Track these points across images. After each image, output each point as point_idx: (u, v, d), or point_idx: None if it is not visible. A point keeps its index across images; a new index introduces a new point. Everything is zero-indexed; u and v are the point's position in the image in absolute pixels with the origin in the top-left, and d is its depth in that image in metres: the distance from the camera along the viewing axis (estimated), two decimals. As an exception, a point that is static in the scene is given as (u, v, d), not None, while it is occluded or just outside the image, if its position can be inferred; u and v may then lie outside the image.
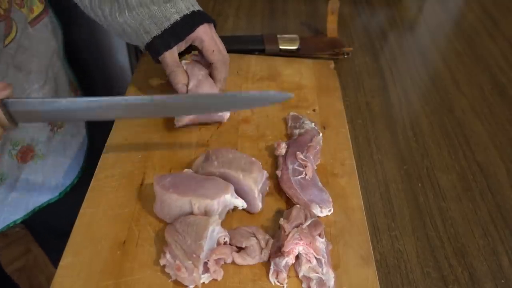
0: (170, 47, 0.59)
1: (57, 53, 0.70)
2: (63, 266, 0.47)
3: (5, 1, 0.54)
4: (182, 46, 0.60)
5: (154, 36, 0.58)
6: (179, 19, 0.58)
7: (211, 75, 0.63)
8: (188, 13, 0.58)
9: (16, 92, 0.60)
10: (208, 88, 0.60)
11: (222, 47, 0.62)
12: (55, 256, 0.48)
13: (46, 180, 0.72)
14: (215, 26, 0.63)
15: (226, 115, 0.65)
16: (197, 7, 0.60)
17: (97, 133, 0.62)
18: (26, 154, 0.66)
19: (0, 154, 0.62)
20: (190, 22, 0.58)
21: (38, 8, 0.63)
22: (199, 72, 0.61)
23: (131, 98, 0.52)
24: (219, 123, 0.66)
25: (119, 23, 0.59)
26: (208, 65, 0.63)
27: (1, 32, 0.55)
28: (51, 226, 0.79)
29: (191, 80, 0.60)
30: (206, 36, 0.60)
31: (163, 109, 0.52)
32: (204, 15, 0.60)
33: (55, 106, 0.48)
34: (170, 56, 0.59)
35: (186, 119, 0.62)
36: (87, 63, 0.96)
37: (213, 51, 0.61)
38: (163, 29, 0.58)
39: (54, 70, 0.69)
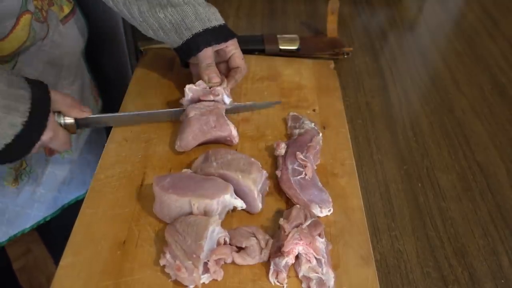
0: (210, 45, 0.62)
1: (82, 52, 0.73)
2: (63, 266, 0.47)
3: (45, 3, 0.58)
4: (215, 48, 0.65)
5: (195, 33, 0.61)
6: (217, 25, 0.63)
7: (229, 76, 0.67)
8: (223, 24, 0.64)
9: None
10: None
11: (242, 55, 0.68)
12: (60, 257, 0.48)
13: (74, 177, 0.74)
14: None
15: (235, 136, 0.61)
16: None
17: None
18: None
19: None
20: (226, 31, 0.64)
21: (67, 7, 0.66)
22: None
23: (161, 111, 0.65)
24: (229, 144, 0.62)
25: (158, 18, 0.61)
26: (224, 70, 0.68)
27: (44, 32, 0.59)
28: (67, 228, 0.80)
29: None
30: (235, 48, 0.66)
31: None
32: (232, 31, 0.66)
33: (108, 119, 0.62)
34: (209, 51, 0.63)
35: (190, 145, 0.59)
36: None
37: (242, 58, 0.67)
38: (205, 28, 0.62)
39: (81, 68, 0.72)
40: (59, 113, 0.55)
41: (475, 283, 0.54)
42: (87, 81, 0.75)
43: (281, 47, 0.84)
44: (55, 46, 0.63)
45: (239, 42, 0.68)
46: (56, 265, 0.47)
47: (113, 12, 0.67)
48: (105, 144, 0.61)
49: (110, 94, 0.82)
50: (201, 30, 0.61)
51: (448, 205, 0.63)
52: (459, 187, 0.66)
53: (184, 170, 0.56)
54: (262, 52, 0.83)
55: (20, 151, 0.49)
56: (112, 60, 0.94)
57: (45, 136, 0.50)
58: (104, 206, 0.53)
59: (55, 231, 0.96)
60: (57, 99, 0.53)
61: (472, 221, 0.61)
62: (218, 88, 0.62)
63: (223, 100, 0.63)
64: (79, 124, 0.57)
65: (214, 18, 0.63)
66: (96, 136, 0.78)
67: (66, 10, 0.65)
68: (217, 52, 0.65)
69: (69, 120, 0.55)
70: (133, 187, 0.56)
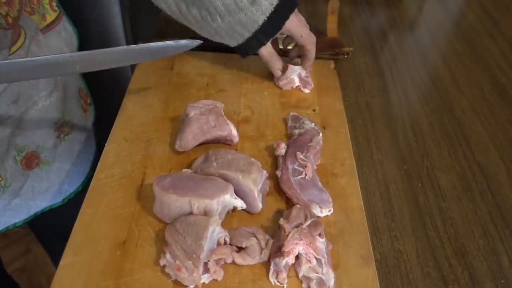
0: (264, 44, 0.66)
1: None
2: (63, 266, 0.47)
3: (14, 10, 0.55)
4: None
5: (248, 38, 0.64)
6: (266, 19, 0.63)
7: (302, 56, 0.72)
8: (273, 10, 0.62)
9: (24, 99, 0.60)
10: None
11: (307, 29, 0.69)
12: (57, 257, 0.48)
13: (51, 186, 0.72)
14: (297, 6, 0.67)
15: (235, 136, 0.61)
16: None
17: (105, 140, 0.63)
18: (31, 161, 0.66)
19: (4, 160, 0.62)
20: (277, 19, 0.64)
21: (51, 16, 0.64)
22: None
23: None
24: (229, 144, 0.62)
25: (212, 26, 0.63)
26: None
27: (8, 40, 0.56)
28: (54, 229, 0.79)
29: None
30: (292, 24, 0.66)
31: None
32: (287, 4, 0.64)
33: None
34: (266, 48, 0.67)
35: (190, 144, 0.59)
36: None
37: (301, 36, 0.68)
38: (253, 31, 0.63)
39: (64, 78, 0.70)
40: None
41: (475, 283, 0.54)
42: (73, 91, 0.73)
43: (281, 47, 0.84)
44: (32, 57, 0.59)
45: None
46: (54, 263, 0.47)
47: (109, 17, 0.66)
48: (105, 144, 0.61)
49: (107, 101, 0.81)
50: (251, 34, 0.64)
51: (448, 205, 0.63)
52: (459, 187, 0.66)
53: (184, 170, 0.56)
54: (262, 52, 0.83)
55: None
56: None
57: None
58: (104, 206, 0.53)
59: (37, 233, 0.96)
60: None
61: (472, 221, 0.61)
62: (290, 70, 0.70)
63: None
64: None
65: (260, 13, 0.62)
66: (78, 146, 0.76)
67: (49, 18, 0.64)
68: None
69: None
70: (133, 187, 0.56)
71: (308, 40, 0.69)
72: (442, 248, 0.57)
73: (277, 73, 0.71)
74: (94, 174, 0.57)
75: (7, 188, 0.65)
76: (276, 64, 0.70)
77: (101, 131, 0.83)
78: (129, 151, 0.60)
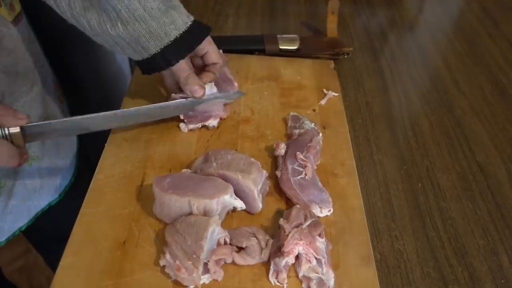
0: (171, 65, 0.57)
1: (42, 54, 0.69)
2: (63, 266, 0.47)
3: None
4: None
5: (153, 54, 0.56)
6: (178, 36, 0.55)
7: (205, 72, 0.63)
8: (186, 29, 0.56)
9: (5, 95, 0.59)
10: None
11: (220, 54, 0.64)
12: (54, 261, 0.47)
13: (44, 183, 0.72)
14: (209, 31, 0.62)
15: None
16: (191, 18, 0.58)
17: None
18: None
19: None
20: (190, 39, 0.57)
21: (18, 5, 0.61)
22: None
23: (125, 110, 0.59)
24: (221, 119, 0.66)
25: (110, 35, 0.54)
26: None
27: None
28: (51, 233, 0.79)
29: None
30: (208, 45, 0.61)
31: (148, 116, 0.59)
32: (201, 27, 0.59)
33: (61, 125, 0.54)
34: (180, 65, 0.58)
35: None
36: (82, 65, 0.96)
37: (217, 53, 0.62)
38: (162, 47, 0.55)
39: (39, 70, 0.67)
40: None
41: (475, 283, 0.54)
42: (48, 82, 0.72)
43: (281, 47, 0.84)
44: (7, 53, 0.57)
45: (239, 42, 0.67)
46: (51, 267, 0.46)
47: None
48: (105, 145, 0.61)
49: (107, 101, 0.80)
50: (158, 50, 0.55)
51: (448, 205, 0.63)
52: (459, 187, 0.66)
53: (184, 170, 0.56)
54: (262, 52, 0.83)
55: None
56: (84, 58, 0.92)
57: None
58: (104, 206, 0.53)
59: (35, 239, 0.95)
60: None
61: (472, 221, 0.61)
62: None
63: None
64: (26, 134, 0.50)
65: (173, 27, 0.55)
66: (63, 139, 0.75)
67: (18, 8, 0.59)
68: None
69: (14, 130, 0.48)
70: (133, 187, 0.56)
71: (220, 58, 0.63)
72: (442, 248, 0.57)
73: (199, 91, 0.59)
74: (94, 174, 0.57)
75: (2, 188, 0.64)
76: (196, 80, 0.59)
77: (101, 131, 0.82)
78: (129, 151, 0.60)
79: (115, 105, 0.67)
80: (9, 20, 0.58)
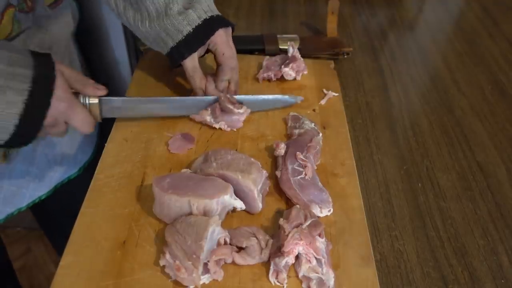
0: (184, 58, 0.62)
1: (73, 37, 0.72)
2: (63, 266, 0.47)
3: None
4: (202, 50, 0.63)
5: (171, 47, 0.62)
6: (191, 30, 0.60)
7: (216, 75, 0.66)
8: (200, 23, 0.61)
9: None
10: None
11: (232, 52, 0.64)
12: (59, 236, 0.48)
13: (65, 156, 0.75)
14: (233, 28, 0.65)
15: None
16: (210, 13, 0.61)
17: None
18: None
19: None
20: (202, 32, 0.61)
21: None
22: None
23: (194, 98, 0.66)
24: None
25: (141, 31, 0.63)
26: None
27: (29, 23, 0.58)
28: (65, 206, 0.81)
29: None
30: (220, 39, 0.62)
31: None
32: (219, 21, 0.62)
33: (135, 103, 0.62)
34: (189, 62, 0.63)
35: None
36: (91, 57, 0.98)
37: (223, 54, 0.63)
38: (177, 42, 0.61)
39: (70, 52, 0.72)
40: (78, 94, 0.54)
41: (475, 283, 0.54)
42: (77, 65, 0.76)
43: (281, 47, 0.84)
44: (43, 32, 0.62)
45: (239, 42, 0.67)
46: (54, 248, 0.46)
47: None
48: (105, 145, 0.61)
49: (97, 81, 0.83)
50: (175, 44, 0.61)
51: (448, 205, 0.63)
52: (459, 187, 0.66)
53: (184, 170, 0.56)
54: (262, 52, 0.83)
55: (29, 131, 0.47)
56: (100, 50, 0.94)
57: (59, 114, 0.49)
58: (104, 206, 0.53)
59: (49, 211, 0.98)
60: (69, 76, 0.52)
61: (472, 221, 0.61)
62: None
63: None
64: (103, 109, 0.57)
65: (186, 23, 0.60)
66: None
67: None
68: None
69: (93, 101, 0.55)
70: (133, 187, 0.56)
71: (228, 61, 0.64)
72: (442, 248, 0.57)
73: (199, 93, 0.65)
74: (94, 174, 0.57)
75: (19, 153, 0.67)
76: (197, 82, 0.64)
77: (101, 131, 0.83)
78: (129, 151, 0.60)
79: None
80: (46, 4, 0.63)
